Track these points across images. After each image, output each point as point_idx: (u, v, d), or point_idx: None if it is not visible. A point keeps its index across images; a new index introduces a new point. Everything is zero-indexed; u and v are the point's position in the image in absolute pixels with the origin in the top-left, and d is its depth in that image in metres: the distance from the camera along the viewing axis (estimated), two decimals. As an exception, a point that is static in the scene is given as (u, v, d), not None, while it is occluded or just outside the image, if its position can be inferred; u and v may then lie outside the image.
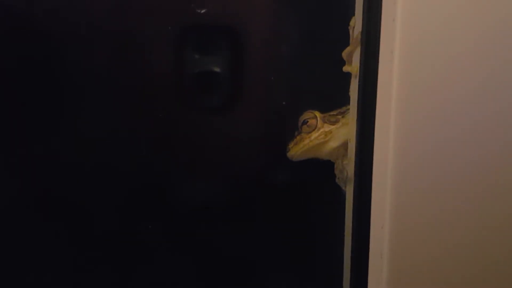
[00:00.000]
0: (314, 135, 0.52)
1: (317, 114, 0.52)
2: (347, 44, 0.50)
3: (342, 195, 0.52)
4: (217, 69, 0.54)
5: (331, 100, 0.53)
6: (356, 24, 0.48)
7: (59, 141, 0.56)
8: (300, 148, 0.53)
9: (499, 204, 0.40)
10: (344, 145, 0.52)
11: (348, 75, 0.50)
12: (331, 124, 0.52)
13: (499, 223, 0.40)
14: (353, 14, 0.49)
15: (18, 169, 0.57)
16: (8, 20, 0.53)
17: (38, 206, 0.58)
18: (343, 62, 0.51)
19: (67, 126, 0.55)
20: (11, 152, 0.56)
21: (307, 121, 0.52)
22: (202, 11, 0.50)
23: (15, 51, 0.53)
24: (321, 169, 0.54)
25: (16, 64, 0.54)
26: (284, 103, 0.55)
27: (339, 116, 0.53)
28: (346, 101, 0.52)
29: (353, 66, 0.49)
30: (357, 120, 0.46)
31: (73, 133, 0.55)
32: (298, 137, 0.53)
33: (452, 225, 0.39)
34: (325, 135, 0.52)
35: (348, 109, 0.51)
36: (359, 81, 0.45)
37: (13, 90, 0.54)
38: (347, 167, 0.50)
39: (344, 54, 0.50)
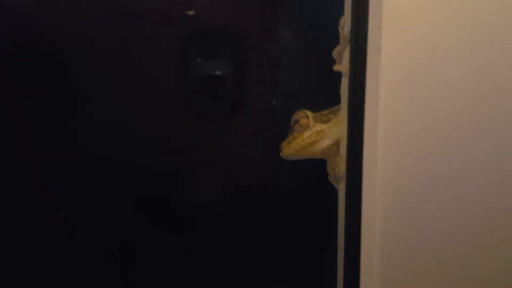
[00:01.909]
0: (306, 134, 0.53)
1: (309, 113, 0.53)
2: (338, 43, 0.51)
3: (335, 193, 0.52)
4: (208, 71, 0.55)
5: (323, 100, 0.53)
6: (346, 23, 0.48)
7: (60, 145, 0.56)
8: (293, 147, 0.53)
9: (492, 199, 0.40)
10: (336, 144, 0.52)
11: (339, 74, 0.51)
12: (323, 123, 0.53)
13: (491, 219, 0.41)
14: (343, 14, 0.49)
15: (21, 172, 0.57)
16: (11, 21, 0.53)
17: (39, 207, 0.58)
18: (334, 62, 0.51)
19: (69, 130, 0.56)
20: (16, 156, 0.57)
21: (299, 121, 0.53)
22: (191, 13, 0.51)
23: (16, 53, 0.54)
24: (314, 167, 0.54)
25: (18, 66, 0.54)
26: (276, 102, 0.56)
27: (331, 115, 0.53)
28: (337, 100, 0.52)
29: (343, 65, 0.49)
30: (348, 118, 0.46)
31: (74, 136, 0.56)
32: (290, 137, 0.54)
33: (440, 218, 0.39)
34: (317, 134, 0.52)
35: (340, 108, 0.52)
36: (348, 80, 0.46)
37: (15, 92, 0.55)
38: (339, 165, 0.51)
39: (334, 53, 0.51)
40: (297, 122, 0.53)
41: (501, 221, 0.41)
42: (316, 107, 0.54)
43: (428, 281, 0.40)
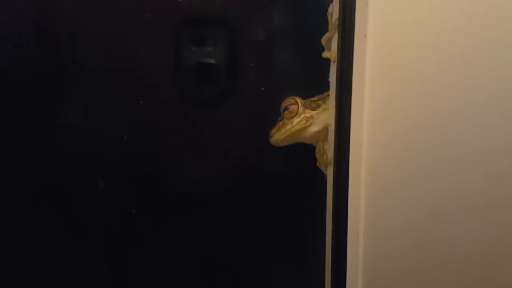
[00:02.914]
0: (296, 120, 0.53)
1: (298, 100, 0.54)
2: (326, 30, 0.51)
3: (323, 178, 0.53)
4: (199, 58, 0.55)
5: (312, 86, 0.54)
6: (334, 10, 0.48)
7: (55, 133, 0.57)
8: (283, 133, 0.54)
9: (472, 183, 0.41)
10: (325, 130, 0.53)
11: (328, 61, 0.51)
12: (312, 110, 0.53)
13: (476, 205, 0.42)
14: (332, 1, 0.50)
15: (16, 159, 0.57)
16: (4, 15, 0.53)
17: (30, 196, 0.59)
18: (323, 49, 0.52)
19: (64, 118, 0.56)
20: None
21: (289, 107, 0.53)
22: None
23: (13, 47, 0.54)
24: (303, 153, 0.55)
25: (15, 60, 0.54)
26: (266, 89, 0.56)
27: (320, 102, 0.54)
28: (327, 87, 0.53)
29: (332, 52, 0.50)
30: (336, 105, 0.47)
31: (70, 123, 0.56)
32: (280, 123, 0.55)
33: (423, 202, 0.41)
34: (306, 120, 0.53)
35: (329, 94, 0.53)
36: (336, 67, 0.46)
37: (11, 87, 0.55)
38: (328, 151, 0.52)
39: (323, 40, 0.51)
40: (286, 108, 0.54)
41: (488, 210, 0.42)
42: (305, 94, 0.54)
43: (408, 258, 0.41)
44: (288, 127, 0.53)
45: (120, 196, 0.59)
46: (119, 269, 0.61)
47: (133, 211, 0.59)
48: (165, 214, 0.60)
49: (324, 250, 0.49)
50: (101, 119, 0.57)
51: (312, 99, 0.54)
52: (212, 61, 0.56)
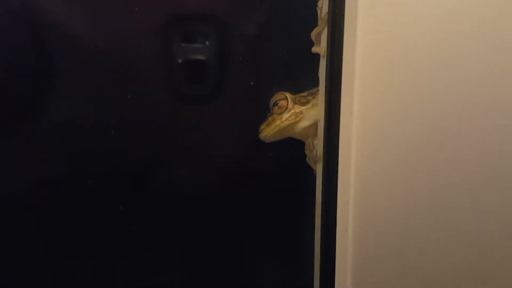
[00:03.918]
0: (285, 116, 0.53)
1: (288, 95, 0.53)
2: (316, 25, 0.51)
3: (313, 174, 0.53)
4: (188, 54, 0.55)
5: (302, 81, 0.54)
6: (323, 4, 0.48)
7: (45, 130, 0.56)
8: (272, 129, 0.54)
9: (460, 178, 0.42)
10: (314, 126, 0.53)
11: (317, 56, 0.51)
12: (301, 105, 0.53)
13: (465, 203, 0.42)
14: (321, -5, 0.49)
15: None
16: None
17: (18, 193, 0.58)
18: (312, 44, 0.51)
19: (54, 114, 0.55)
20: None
21: (278, 103, 0.53)
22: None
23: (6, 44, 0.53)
24: (292, 149, 0.55)
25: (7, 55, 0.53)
26: (255, 85, 0.56)
27: (310, 97, 0.53)
28: (316, 82, 0.52)
29: (321, 46, 0.50)
30: (325, 100, 0.47)
31: (58, 121, 0.55)
32: (270, 118, 0.54)
33: (412, 199, 0.41)
34: (295, 116, 0.53)
35: (318, 90, 0.52)
36: (326, 62, 0.46)
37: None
38: (317, 147, 0.52)
39: (313, 35, 0.51)
40: (276, 104, 0.53)
41: (479, 208, 0.42)
42: (295, 89, 0.54)
43: (397, 253, 0.41)
44: (278, 122, 0.53)
45: (108, 192, 0.58)
46: (106, 267, 0.61)
47: (121, 207, 0.58)
48: (153, 211, 0.60)
49: (313, 246, 0.49)
50: (90, 115, 0.56)
51: (302, 94, 0.54)
52: (201, 56, 0.55)
